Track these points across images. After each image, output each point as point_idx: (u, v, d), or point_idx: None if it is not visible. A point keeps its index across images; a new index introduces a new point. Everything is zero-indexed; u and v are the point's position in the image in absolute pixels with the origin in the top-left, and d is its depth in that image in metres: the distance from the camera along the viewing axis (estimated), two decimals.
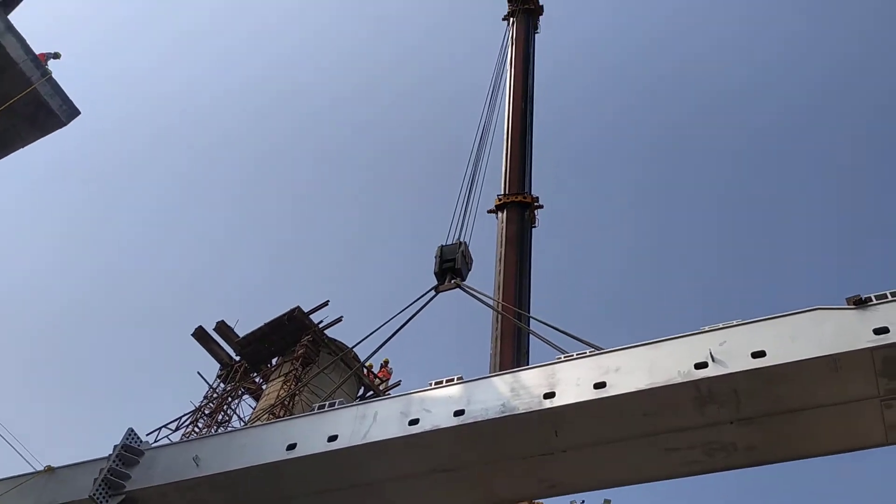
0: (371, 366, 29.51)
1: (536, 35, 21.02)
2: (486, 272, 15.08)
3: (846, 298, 7.49)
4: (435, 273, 13.47)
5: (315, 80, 69.37)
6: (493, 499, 8.49)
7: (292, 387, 25.97)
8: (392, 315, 12.20)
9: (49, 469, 9.54)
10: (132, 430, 9.40)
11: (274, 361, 30.58)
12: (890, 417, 7.37)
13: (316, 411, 9.02)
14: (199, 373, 30.91)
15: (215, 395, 29.77)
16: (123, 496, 8.79)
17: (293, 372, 27.43)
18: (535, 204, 16.81)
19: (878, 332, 7.09)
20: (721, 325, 7.83)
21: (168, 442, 22.02)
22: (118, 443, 9.18)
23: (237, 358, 30.89)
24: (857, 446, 7.76)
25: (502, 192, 16.81)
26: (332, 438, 8.38)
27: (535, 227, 16.63)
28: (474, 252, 14.24)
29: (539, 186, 17.33)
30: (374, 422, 8.36)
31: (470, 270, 13.86)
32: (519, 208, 16.47)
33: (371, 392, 28.92)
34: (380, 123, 69.70)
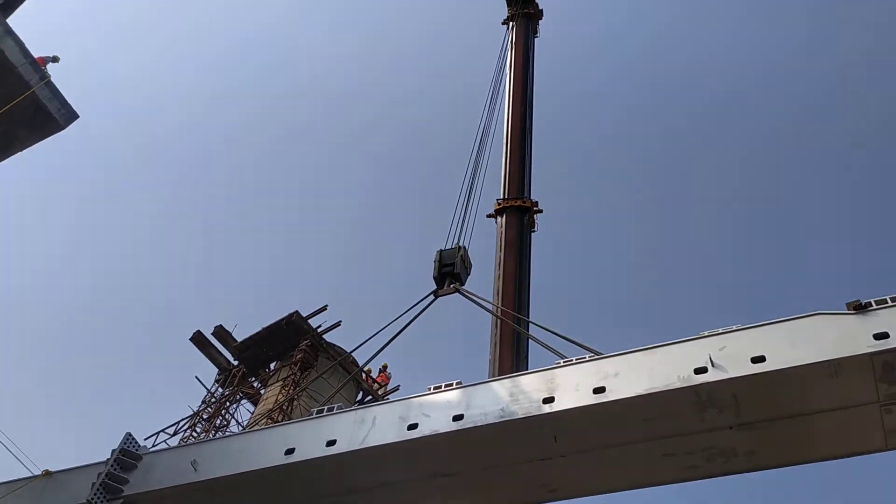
0: (370, 370, 29.48)
1: (536, 39, 21.06)
2: (485, 277, 15.10)
3: (846, 303, 7.49)
4: (434, 277, 13.48)
5: (313, 84, 69.44)
6: None
7: (291, 391, 25.93)
8: (391, 320, 12.22)
9: (47, 473, 9.52)
10: (130, 435, 9.38)
11: (272, 366, 30.54)
12: (890, 422, 7.36)
13: (314, 416, 9.01)
14: (197, 377, 30.88)
15: (213, 400, 29.72)
16: (121, 500, 8.76)
17: (292, 376, 27.39)
18: (535, 208, 16.80)
19: (878, 337, 7.10)
20: (721, 330, 7.82)
21: (166, 446, 21.97)
22: (116, 447, 9.17)
23: (235, 362, 30.86)
24: (857, 451, 7.75)
25: (501, 197, 16.80)
26: (331, 443, 8.36)
27: (534, 231, 16.62)
28: (473, 257, 14.26)
29: (538, 191, 17.35)
30: (373, 426, 8.35)
31: (469, 275, 13.88)
32: (518, 213, 16.46)
33: (370, 397, 28.87)
34: (379, 127, 69.76)
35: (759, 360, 7.32)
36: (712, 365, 7.44)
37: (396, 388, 30.25)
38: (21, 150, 16.11)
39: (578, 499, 8.43)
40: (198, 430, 27.87)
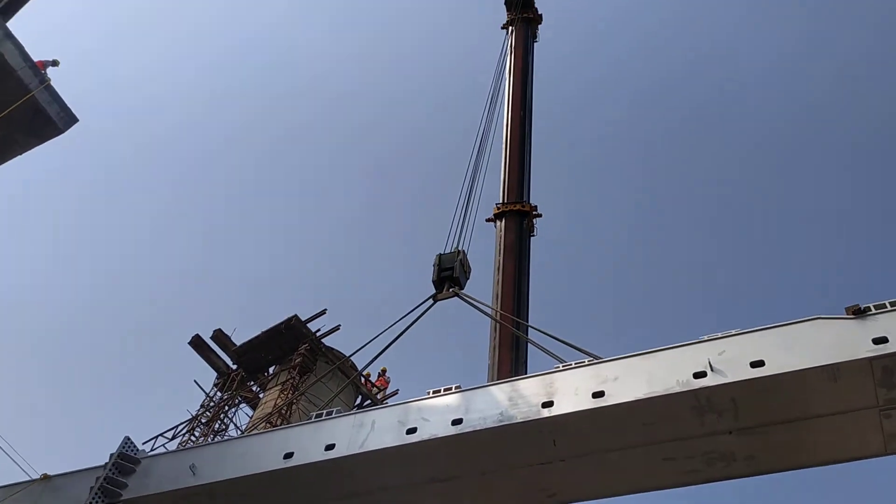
0: (369, 374, 29.47)
1: (535, 44, 21.09)
2: (484, 281, 15.10)
3: (845, 308, 7.49)
4: (433, 281, 13.47)
5: (312, 87, 69.52)
6: None
7: (289, 395, 25.90)
8: (390, 324, 12.21)
9: (45, 477, 9.50)
10: (128, 439, 9.37)
11: (271, 370, 30.52)
12: (889, 427, 7.36)
13: (313, 420, 9.00)
14: (195, 381, 30.86)
15: (212, 404, 29.69)
16: None
17: (290, 380, 27.37)
18: (534, 213, 16.82)
19: (877, 341, 7.10)
20: (720, 335, 7.83)
21: (164, 450, 21.94)
22: (114, 451, 9.15)
23: (234, 366, 30.83)
24: (856, 456, 7.74)
25: (501, 201, 16.82)
26: (330, 447, 8.35)
27: (533, 235, 16.63)
28: (473, 261, 14.25)
29: (538, 195, 17.36)
30: (372, 430, 8.34)
31: (468, 279, 13.88)
32: (517, 217, 16.47)
33: (369, 401, 28.85)
34: (377, 130, 69.79)
35: (758, 364, 7.32)
36: (711, 369, 7.44)
37: (395, 393, 30.24)
38: (20, 154, 16.12)
39: (578, 503, 8.41)
40: (196, 434, 27.83)
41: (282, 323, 29.81)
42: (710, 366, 7.45)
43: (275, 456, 8.52)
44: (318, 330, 29.93)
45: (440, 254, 13.92)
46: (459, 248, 14.16)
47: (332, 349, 29.63)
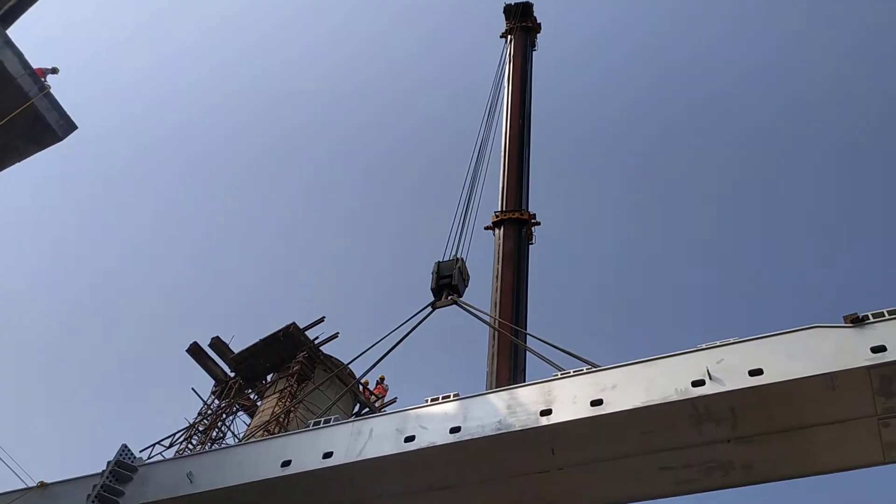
0: (367, 382, 29.42)
1: (534, 53, 21.15)
2: (483, 289, 15.11)
3: (843, 316, 7.50)
4: (432, 289, 13.47)
5: (312, 91, 69.52)
6: None
7: (287, 403, 25.86)
8: (388, 331, 12.21)
9: (42, 485, 9.49)
10: (126, 446, 9.36)
11: (269, 378, 30.46)
12: (887, 436, 7.36)
13: (311, 428, 8.99)
14: (193, 389, 30.77)
15: (210, 412, 29.63)
16: None
17: (288, 388, 27.32)
18: (533, 221, 16.85)
19: (875, 350, 7.11)
20: (718, 343, 7.83)
21: (162, 458, 21.88)
22: (112, 459, 9.14)
23: (232, 374, 30.78)
24: (855, 465, 7.74)
25: (499, 209, 16.85)
26: (328, 455, 8.34)
27: (531, 243, 16.65)
28: (471, 269, 14.25)
29: (537, 202, 17.39)
30: (370, 438, 8.33)
31: (467, 287, 13.87)
32: (516, 225, 16.50)
33: (367, 409, 28.79)
34: (377, 138, 69.79)
35: (756, 372, 7.32)
36: (710, 378, 7.44)
37: (394, 401, 30.18)
38: (19, 161, 16.12)
39: None
40: (194, 441, 27.77)
41: (280, 330, 29.77)
42: (709, 374, 7.45)
43: (272, 464, 8.50)
44: (317, 338, 29.89)
45: (439, 262, 13.93)
46: (458, 256, 14.17)
47: (331, 357, 29.59)
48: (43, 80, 15.75)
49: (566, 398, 7.91)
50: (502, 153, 17.93)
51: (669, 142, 60.34)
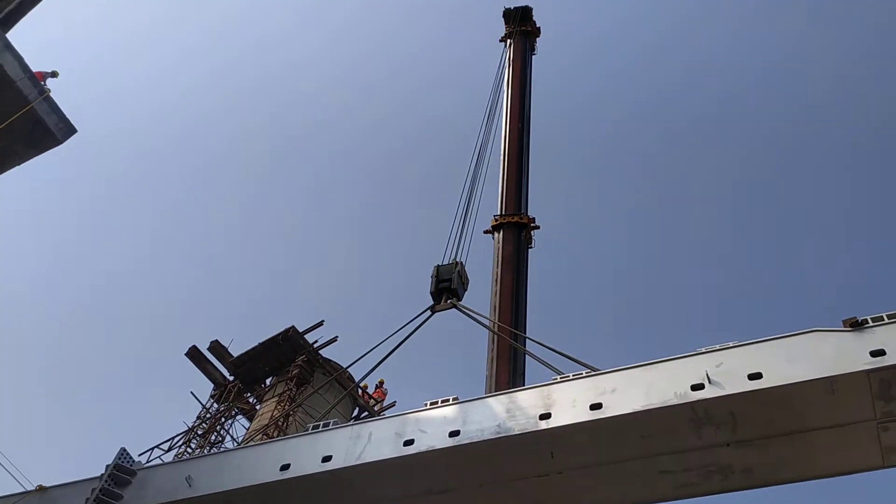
0: (366, 386, 29.40)
1: (533, 56, 21.17)
2: (482, 292, 15.10)
3: (842, 320, 7.51)
4: (431, 293, 13.47)
5: (312, 92, 69.47)
6: None
7: (286, 407, 25.83)
8: (387, 335, 12.20)
9: (41, 488, 9.48)
10: (124, 450, 9.34)
11: (268, 381, 30.43)
12: (887, 440, 7.36)
13: (310, 431, 8.98)
14: (192, 392, 30.73)
15: (208, 415, 29.60)
16: None
17: (287, 392, 27.29)
18: (532, 224, 16.86)
19: (874, 354, 7.11)
20: (718, 347, 7.84)
21: (160, 462, 21.86)
22: (110, 462, 9.13)
23: (231, 378, 30.76)
24: (855, 469, 7.74)
25: (499, 213, 16.85)
26: (327, 459, 8.33)
27: (531, 247, 16.66)
28: (471, 272, 14.25)
29: (537, 205, 17.40)
30: (369, 442, 8.32)
31: (466, 290, 13.87)
32: (515, 229, 16.51)
33: (366, 413, 28.77)
34: (377, 138, 69.73)
35: (755, 376, 7.33)
36: (709, 381, 7.44)
37: (393, 404, 30.14)
38: (19, 164, 16.13)
39: None
40: (192, 445, 27.73)
41: (279, 334, 29.74)
42: (708, 378, 7.45)
43: (271, 468, 8.50)
44: (316, 341, 29.86)
45: (438, 265, 13.93)
46: (457, 260, 14.17)
47: (330, 360, 29.56)
48: (43, 83, 15.76)
49: (565, 402, 7.91)
50: (502, 157, 17.95)
51: (669, 142, 60.29)
